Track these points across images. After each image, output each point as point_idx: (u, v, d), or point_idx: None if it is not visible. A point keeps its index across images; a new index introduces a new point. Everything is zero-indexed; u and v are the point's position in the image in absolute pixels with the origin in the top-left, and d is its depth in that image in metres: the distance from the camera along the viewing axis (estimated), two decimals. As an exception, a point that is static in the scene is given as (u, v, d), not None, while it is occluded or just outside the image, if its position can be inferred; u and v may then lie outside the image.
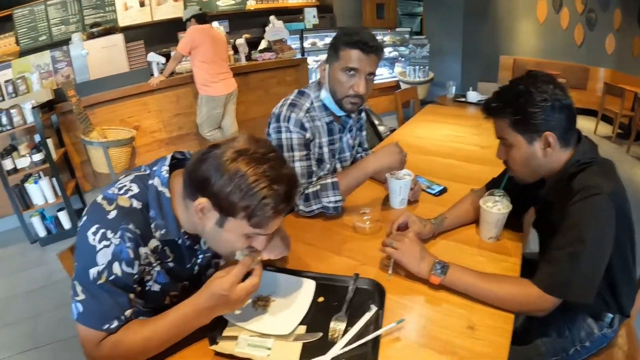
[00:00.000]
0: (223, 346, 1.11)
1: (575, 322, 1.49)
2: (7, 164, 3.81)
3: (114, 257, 1.06)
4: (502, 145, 1.45)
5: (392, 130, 3.38)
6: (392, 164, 1.73)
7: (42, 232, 4.05)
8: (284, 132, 1.78)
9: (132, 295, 1.12)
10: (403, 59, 7.47)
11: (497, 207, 1.55)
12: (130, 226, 1.09)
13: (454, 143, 2.78)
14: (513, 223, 1.63)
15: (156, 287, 1.25)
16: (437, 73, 7.35)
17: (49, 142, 3.97)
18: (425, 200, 1.95)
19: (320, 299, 1.29)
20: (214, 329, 1.17)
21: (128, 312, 1.11)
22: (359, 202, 1.90)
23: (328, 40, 6.63)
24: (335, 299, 1.27)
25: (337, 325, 1.17)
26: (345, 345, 1.10)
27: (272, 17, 6.30)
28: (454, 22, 7.51)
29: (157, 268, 1.22)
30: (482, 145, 2.67)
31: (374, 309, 1.21)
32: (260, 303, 1.26)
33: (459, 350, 1.11)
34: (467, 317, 1.22)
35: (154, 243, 1.17)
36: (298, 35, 6.60)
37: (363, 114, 2.19)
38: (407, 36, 7.53)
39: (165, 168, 1.18)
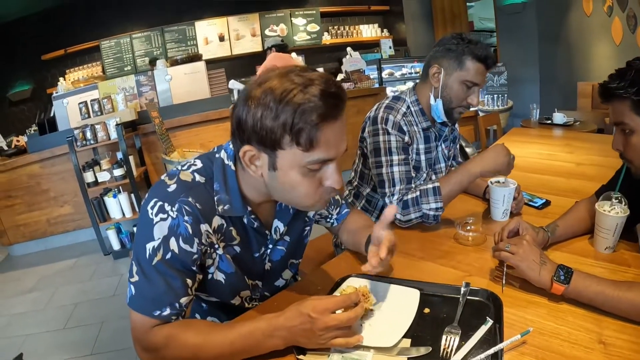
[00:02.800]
0: (312, 358, 1.00)
1: None
2: (88, 177, 3.99)
3: (170, 231, 1.00)
4: (619, 134, 1.33)
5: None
6: (500, 166, 1.58)
7: (116, 245, 4.19)
8: (381, 134, 1.70)
9: (189, 281, 1.04)
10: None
11: (615, 211, 1.38)
12: (190, 199, 1.02)
13: (549, 160, 2.62)
14: (625, 235, 1.44)
15: (220, 277, 1.16)
16: (515, 102, 7.20)
17: (130, 159, 4.10)
18: (529, 212, 1.80)
19: (426, 310, 1.15)
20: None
21: (183, 300, 1.03)
22: (457, 214, 1.77)
23: (405, 70, 6.79)
24: (443, 311, 1.14)
25: (449, 339, 1.03)
26: (463, 360, 0.96)
27: (349, 49, 6.47)
28: (529, 49, 7.46)
29: (220, 251, 1.13)
30: (578, 162, 2.50)
31: (490, 322, 1.07)
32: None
33: (593, 368, 0.95)
34: (597, 332, 1.06)
35: (217, 221, 1.09)
36: (375, 66, 6.68)
37: (457, 126, 2.08)
38: (485, 63, 7.39)
39: (234, 140, 1.05)
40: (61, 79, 6.35)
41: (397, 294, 1.21)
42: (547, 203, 1.86)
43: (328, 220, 1.51)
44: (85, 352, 2.77)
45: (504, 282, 1.25)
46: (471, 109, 1.73)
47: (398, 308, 1.16)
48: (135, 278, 1.02)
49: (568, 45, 7.95)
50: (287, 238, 1.28)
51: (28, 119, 6.14)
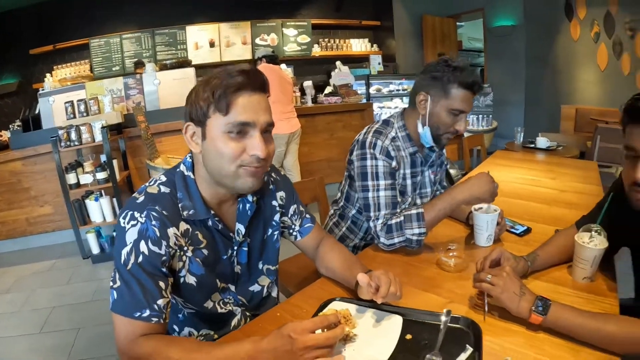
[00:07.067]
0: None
1: None
2: (71, 178, 3.97)
3: (140, 235, 1.11)
4: None
5: (464, 174, 3.29)
6: (484, 194, 1.62)
7: (95, 249, 4.15)
8: (369, 159, 1.72)
9: (162, 284, 1.12)
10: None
11: (593, 243, 1.40)
12: (157, 207, 1.14)
13: (531, 186, 2.66)
14: (603, 265, 1.47)
15: (191, 279, 1.23)
16: (500, 123, 7.34)
17: (114, 162, 4.08)
18: (509, 239, 1.83)
19: (408, 336, 1.17)
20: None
21: (160, 302, 1.10)
22: (440, 239, 1.80)
23: (392, 87, 6.88)
24: (424, 337, 1.16)
25: (431, 365, 1.05)
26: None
27: (338, 63, 6.51)
28: (516, 71, 7.63)
29: (189, 254, 1.22)
30: (561, 189, 2.55)
31: (469, 349, 1.08)
32: (342, 338, 1.14)
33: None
34: (572, 360, 1.08)
35: (184, 226, 1.20)
36: (363, 81, 6.75)
37: (444, 151, 2.11)
38: (471, 84, 7.50)
39: (190, 155, 1.27)
40: (48, 74, 6.32)
41: (380, 320, 1.23)
42: (528, 230, 1.89)
43: (291, 232, 1.55)
44: (61, 358, 2.72)
45: (485, 311, 1.27)
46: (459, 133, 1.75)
47: (381, 333, 1.18)
48: (117, 284, 1.10)
49: (554, 69, 8.13)
50: (249, 240, 1.36)
51: (13, 113, 6.04)
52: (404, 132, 1.83)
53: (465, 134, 6.74)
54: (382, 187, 1.71)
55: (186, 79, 5.07)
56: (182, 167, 1.26)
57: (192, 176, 1.24)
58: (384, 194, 1.71)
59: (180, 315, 1.33)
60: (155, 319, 1.09)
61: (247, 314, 1.41)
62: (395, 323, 1.21)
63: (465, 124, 1.74)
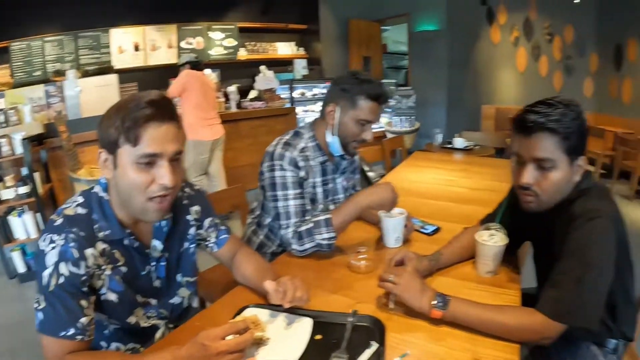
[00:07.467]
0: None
1: (578, 351, 1.46)
2: None
3: (60, 257, 1.13)
4: (535, 169, 1.34)
5: (382, 176, 3.41)
6: (384, 200, 1.73)
7: (21, 268, 3.95)
8: (277, 170, 1.80)
9: (83, 302, 1.16)
10: (390, 110, 7.69)
11: (493, 240, 1.53)
12: (74, 229, 1.17)
13: (444, 186, 2.80)
14: (508, 259, 1.61)
15: (112, 297, 1.26)
16: (423, 123, 7.64)
17: (36, 176, 3.95)
18: (420, 239, 1.94)
19: (318, 337, 1.25)
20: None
21: (84, 320, 1.14)
22: (352, 242, 1.88)
23: (317, 90, 6.98)
24: (333, 337, 1.24)
25: (336, 363, 1.13)
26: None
27: (262, 67, 6.52)
28: (439, 74, 7.92)
29: (108, 272, 1.24)
30: (473, 187, 2.71)
31: (374, 345, 1.18)
32: (255, 342, 1.21)
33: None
34: (472, 350, 1.19)
35: (101, 245, 1.22)
36: (288, 86, 6.82)
37: (356, 157, 2.21)
38: (393, 88, 7.79)
39: (104, 176, 1.26)
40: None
41: (292, 323, 1.30)
42: (437, 230, 2.01)
43: (208, 244, 1.59)
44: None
45: (391, 306, 1.37)
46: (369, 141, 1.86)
47: (292, 336, 1.25)
48: (42, 305, 1.13)
49: (475, 71, 8.53)
50: (166, 255, 1.40)
51: None
52: (313, 142, 1.91)
53: (389, 135, 6.98)
54: (291, 197, 1.79)
55: (109, 85, 4.93)
56: (97, 188, 1.28)
57: (106, 197, 1.26)
58: (293, 203, 1.78)
59: (106, 332, 1.34)
60: (79, 337, 1.13)
61: (170, 326, 1.44)
62: (305, 325, 1.28)
63: (371, 133, 1.85)
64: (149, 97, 1.15)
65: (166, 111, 1.18)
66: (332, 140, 1.87)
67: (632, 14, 7.16)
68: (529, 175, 1.34)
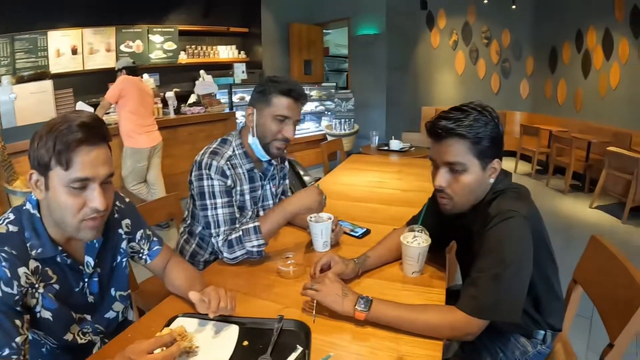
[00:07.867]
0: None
1: (507, 343, 1.53)
2: None
3: None
4: (447, 172, 1.41)
5: (317, 180, 3.46)
6: (311, 204, 1.78)
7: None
8: (205, 179, 1.81)
9: (17, 322, 1.12)
10: (329, 113, 7.83)
11: (417, 242, 1.59)
12: (6, 248, 1.14)
13: (377, 188, 2.87)
14: (435, 258, 1.69)
15: (47, 314, 1.25)
16: (362, 125, 7.81)
17: (-32, 188, 3.75)
18: (349, 242, 1.99)
19: (245, 343, 1.27)
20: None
21: (18, 339, 1.11)
22: (283, 247, 1.92)
23: None
24: (260, 342, 1.27)
25: (262, 368, 1.16)
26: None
27: (202, 72, 6.46)
28: (378, 76, 8.08)
29: (41, 290, 1.22)
30: (403, 188, 2.80)
31: (299, 349, 1.21)
32: (184, 351, 1.22)
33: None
34: (396, 349, 1.24)
35: (33, 264, 1.20)
36: (227, 90, 6.77)
37: (286, 163, 2.26)
38: (333, 91, 7.92)
39: (35, 197, 1.24)
40: None
41: (220, 331, 1.33)
42: (367, 232, 2.07)
43: (141, 256, 1.59)
44: None
45: (314, 313, 1.40)
46: (290, 138, 1.88)
47: (219, 343, 1.27)
48: None
49: (415, 74, 8.78)
50: (99, 270, 1.39)
51: None
52: (240, 150, 1.93)
53: (329, 138, 7.06)
54: (220, 205, 1.80)
55: (44, 92, 4.72)
56: (28, 205, 1.25)
57: (37, 214, 1.24)
58: (221, 211, 1.80)
59: (43, 350, 1.32)
60: (14, 357, 1.10)
61: (106, 340, 1.42)
62: (232, 332, 1.31)
63: (292, 130, 1.88)
64: (80, 120, 1.14)
65: (98, 134, 1.17)
66: (253, 142, 1.89)
67: (566, 19, 7.57)
68: (441, 178, 1.42)
